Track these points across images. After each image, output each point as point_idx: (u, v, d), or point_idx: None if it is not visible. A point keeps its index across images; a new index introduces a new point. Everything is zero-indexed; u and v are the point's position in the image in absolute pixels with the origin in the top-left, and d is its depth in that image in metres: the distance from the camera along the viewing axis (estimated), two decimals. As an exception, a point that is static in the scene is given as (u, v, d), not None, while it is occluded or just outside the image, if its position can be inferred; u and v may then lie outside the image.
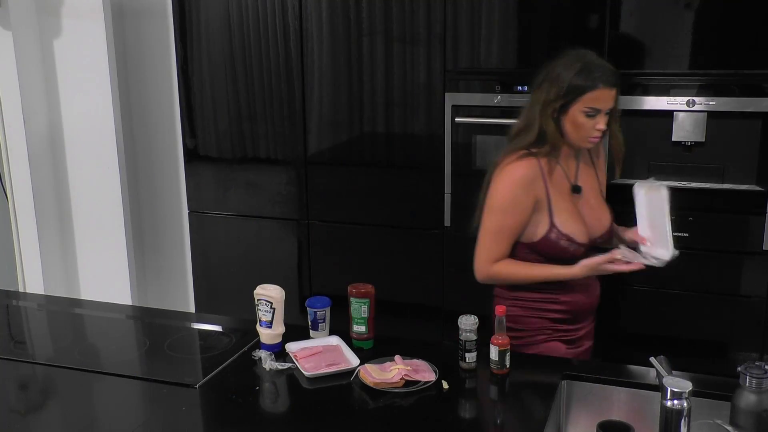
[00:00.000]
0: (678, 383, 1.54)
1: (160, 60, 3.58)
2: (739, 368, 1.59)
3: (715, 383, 1.81)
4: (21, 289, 3.57)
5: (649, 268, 2.05)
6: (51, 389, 2.00)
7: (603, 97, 2.06)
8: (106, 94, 3.44)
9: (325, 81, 3.09)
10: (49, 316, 2.57)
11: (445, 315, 3.07)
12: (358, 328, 2.09)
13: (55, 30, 3.42)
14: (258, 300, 2.08)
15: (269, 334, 2.07)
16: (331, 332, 2.15)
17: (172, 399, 1.86)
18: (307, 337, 2.14)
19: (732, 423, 1.59)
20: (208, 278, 3.48)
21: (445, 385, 1.88)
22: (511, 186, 2.10)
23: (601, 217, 2.23)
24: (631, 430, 1.61)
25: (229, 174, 3.33)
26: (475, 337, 1.93)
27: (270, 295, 2.07)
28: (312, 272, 3.30)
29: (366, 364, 1.93)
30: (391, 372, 1.89)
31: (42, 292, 3.44)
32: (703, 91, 2.66)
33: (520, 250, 2.15)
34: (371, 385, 1.86)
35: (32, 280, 3.55)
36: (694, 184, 2.75)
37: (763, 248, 2.70)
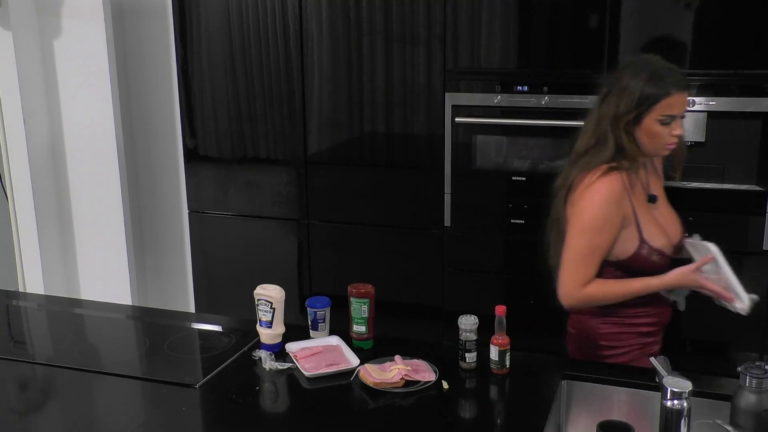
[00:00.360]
0: (678, 383, 1.54)
1: (160, 60, 3.58)
2: (739, 368, 1.59)
3: (715, 383, 1.81)
4: (21, 289, 3.56)
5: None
6: (51, 389, 2.00)
7: (677, 103, 1.99)
8: (106, 94, 3.43)
9: (325, 81, 3.09)
10: (49, 316, 2.57)
11: (445, 315, 3.07)
12: (358, 328, 2.09)
13: (55, 30, 3.42)
14: (258, 300, 2.08)
15: (269, 334, 2.07)
16: (331, 332, 2.15)
17: (172, 399, 1.86)
18: (307, 337, 2.14)
19: (732, 423, 1.59)
20: (208, 278, 3.47)
21: (445, 385, 1.88)
22: (601, 203, 2.01)
23: (675, 225, 2.16)
24: (631, 430, 1.60)
25: (229, 174, 3.33)
26: (475, 337, 1.93)
27: (270, 295, 2.07)
28: (312, 272, 3.30)
29: (366, 364, 1.94)
30: (391, 372, 1.89)
31: (42, 292, 3.43)
32: (703, 91, 2.65)
33: (605, 269, 2.07)
34: (371, 385, 1.87)
35: (32, 280, 3.55)
36: (694, 184, 2.74)
37: (763, 248, 2.70)
